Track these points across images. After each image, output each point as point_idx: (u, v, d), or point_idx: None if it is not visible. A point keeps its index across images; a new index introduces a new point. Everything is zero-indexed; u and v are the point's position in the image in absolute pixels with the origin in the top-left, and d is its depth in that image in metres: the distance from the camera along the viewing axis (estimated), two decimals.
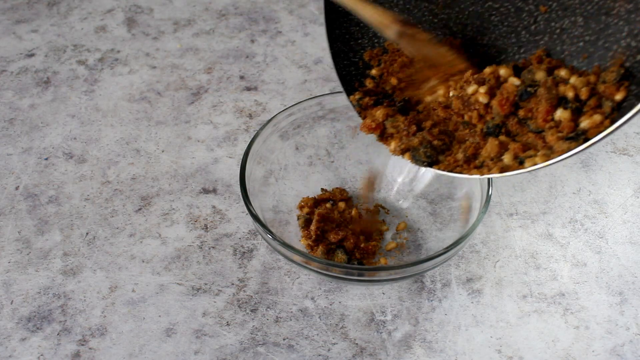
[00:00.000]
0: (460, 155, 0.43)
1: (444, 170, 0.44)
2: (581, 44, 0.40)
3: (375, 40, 0.51)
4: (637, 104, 0.35)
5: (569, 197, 0.59)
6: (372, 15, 0.45)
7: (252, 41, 0.77)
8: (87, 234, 0.55)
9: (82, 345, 0.48)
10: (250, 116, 0.67)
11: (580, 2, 0.40)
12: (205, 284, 0.52)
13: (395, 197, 0.58)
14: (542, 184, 0.60)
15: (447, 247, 0.47)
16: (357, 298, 0.51)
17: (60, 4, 0.82)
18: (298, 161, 0.59)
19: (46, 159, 0.62)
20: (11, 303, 0.50)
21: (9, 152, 0.63)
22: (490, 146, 0.42)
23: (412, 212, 0.57)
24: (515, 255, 0.54)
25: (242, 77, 0.71)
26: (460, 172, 0.43)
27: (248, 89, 0.70)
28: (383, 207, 0.57)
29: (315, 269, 0.48)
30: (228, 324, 0.49)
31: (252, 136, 0.55)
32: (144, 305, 0.50)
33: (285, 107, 0.60)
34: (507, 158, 0.41)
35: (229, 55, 0.74)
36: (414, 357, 0.47)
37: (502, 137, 0.42)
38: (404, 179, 0.58)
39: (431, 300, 0.51)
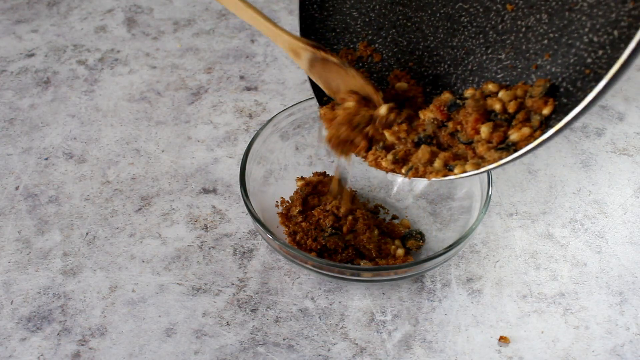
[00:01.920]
0: (390, 157, 0.45)
1: (369, 164, 0.46)
2: (545, 41, 0.40)
3: (351, 46, 0.51)
4: (565, 117, 0.36)
5: (569, 197, 0.59)
6: (285, 41, 0.47)
7: (252, 41, 0.77)
8: (87, 234, 0.55)
9: (82, 345, 0.48)
10: (250, 116, 0.67)
11: None
12: (205, 284, 0.52)
13: (395, 197, 0.58)
14: (542, 184, 0.60)
15: (447, 247, 0.47)
16: (357, 298, 0.51)
17: (60, 4, 0.82)
18: (298, 161, 0.59)
19: (46, 159, 0.62)
20: (11, 303, 0.50)
21: (9, 152, 0.63)
22: (422, 152, 0.43)
23: (412, 212, 0.57)
24: (515, 255, 0.54)
25: (242, 77, 0.71)
26: (385, 169, 0.45)
27: (248, 89, 0.70)
28: (383, 207, 0.57)
29: (315, 268, 0.48)
30: (228, 324, 0.49)
31: (252, 136, 0.55)
32: (144, 305, 0.50)
33: (285, 107, 0.60)
34: (437, 164, 0.43)
35: (229, 55, 0.75)
36: (414, 357, 0.47)
37: (433, 148, 0.44)
38: (403, 179, 0.58)
39: (431, 300, 0.51)
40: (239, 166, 0.53)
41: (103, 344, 0.48)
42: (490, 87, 0.43)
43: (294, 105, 0.57)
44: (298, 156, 0.59)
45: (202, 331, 0.49)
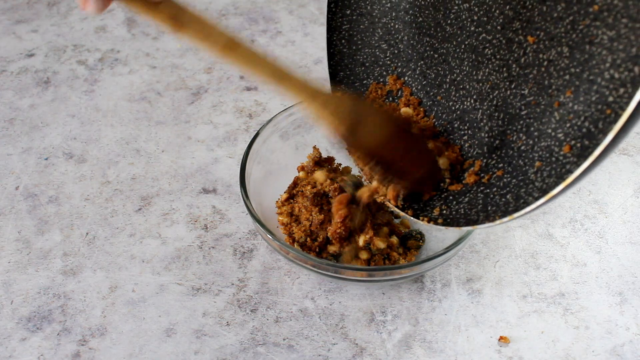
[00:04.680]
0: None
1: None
2: (567, 77, 0.39)
3: (381, 80, 0.51)
4: (527, 206, 0.38)
5: (569, 197, 0.59)
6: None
7: (252, 41, 0.77)
8: (87, 234, 0.55)
9: (82, 345, 0.48)
10: (250, 116, 0.67)
11: (566, 30, 0.39)
12: (205, 284, 0.52)
13: None
14: None
15: (447, 247, 0.47)
16: (357, 298, 0.51)
17: (60, 4, 0.82)
18: (298, 161, 0.59)
19: (46, 159, 0.62)
20: (11, 303, 0.50)
21: (9, 152, 0.63)
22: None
23: None
24: (515, 255, 0.54)
25: (242, 77, 0.71)
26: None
27: (248, 89, 0.70)
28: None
29: (315, 268, 0.48)
30: (228, 324, 0.49)
31: (252, 136, 0.55)
32: (144, 305, 0.50)
33: (285, 107, 0.60)
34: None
35: None
36: (414, 357, 0.47)
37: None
38: None
39: (431, 300, 0.51)
40: (239, 166, 0.53)
41: (103, 344, 0.48)
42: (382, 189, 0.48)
43: (294, 105, 0.57)
44: (298, 156, 0.59)
45: (202, 331, 0.49)
